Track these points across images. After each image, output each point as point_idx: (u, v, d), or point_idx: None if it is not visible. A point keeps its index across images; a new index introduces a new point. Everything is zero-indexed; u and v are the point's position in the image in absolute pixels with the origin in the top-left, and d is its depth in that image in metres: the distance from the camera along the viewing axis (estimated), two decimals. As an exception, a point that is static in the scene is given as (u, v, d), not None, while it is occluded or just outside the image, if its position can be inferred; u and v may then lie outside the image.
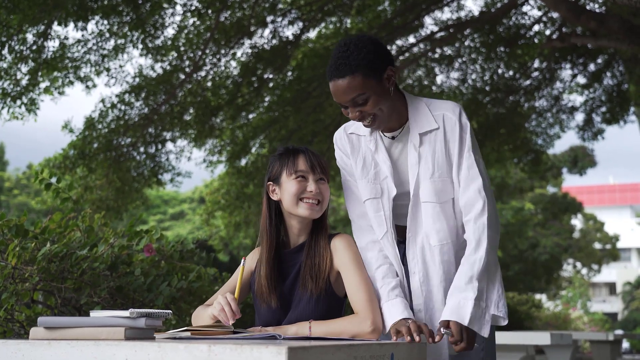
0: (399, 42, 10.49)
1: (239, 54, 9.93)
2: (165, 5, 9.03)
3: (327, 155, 10.82)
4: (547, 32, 10.71)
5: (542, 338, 5.76)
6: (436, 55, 10.77)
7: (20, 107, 8.85)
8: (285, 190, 2.28)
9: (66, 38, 8.83)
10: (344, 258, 2.23)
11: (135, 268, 2.98)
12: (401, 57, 10.47)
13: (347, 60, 2.12)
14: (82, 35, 8.88)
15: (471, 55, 10.75)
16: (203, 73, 9.85)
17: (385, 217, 2.30)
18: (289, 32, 10.04)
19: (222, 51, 9.66)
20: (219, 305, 2.12)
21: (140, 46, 9.21)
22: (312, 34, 10.55)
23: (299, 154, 2.30)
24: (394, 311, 2.12)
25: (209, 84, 10.00)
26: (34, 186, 26.10)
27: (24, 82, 8.75)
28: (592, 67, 11.40)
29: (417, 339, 1.97)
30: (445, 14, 10.50)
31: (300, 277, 2.25)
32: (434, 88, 11.31)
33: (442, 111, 2.25)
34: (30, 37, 8.42)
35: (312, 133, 10.45)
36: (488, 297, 2.15)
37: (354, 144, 2.37)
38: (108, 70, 9.46)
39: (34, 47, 8.50)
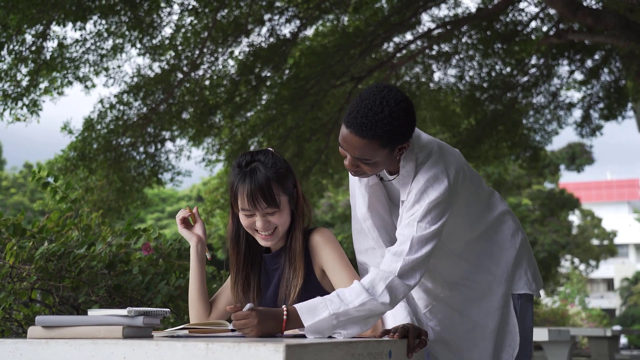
0: (396, 39, 10.50)
1: (236, 52, 9.94)
2: (162, 5, 9.03)
3: (325, 153, 10.83)
4: (544, 29, 10.72)
5: (540, 334, 5.78)
6: (433, 52, 10.77)
7: (21, 108, 8.83)
8: (240, 218, 2.22)
9: (64, 38, 8.83)
10: (326, 257, 2.17)
11: (133, 267, 2.97)
12: (398, 54, 10.47)
13: (374, 125, 1.94)
14: (81, 35, 8.88)
15: (468, 52, 10.76)
16: (201, 72, 9.85)
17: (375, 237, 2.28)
18: (286, 30, 10.05)
19: (220, 50, 9.66)
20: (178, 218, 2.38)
21: (139, 45, 9.21)
22: (310, 31, 10.56)
23: (242, 186, 2.14)
24: (397, 315, 2.11)
25: (207, 82, 10.00)
26: (30, 185, 26.08)
27: (24, 83, 8.74)
28: (589, 63, 11.41)
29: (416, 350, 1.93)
30: (442, 11, 10.50)
31: (280, 285, 2.22)
32: (431, 85, 11.32)
33: (417, 184, 2.05)
34: (29, 37, 8.41)
35: (310, 131, 10.44)
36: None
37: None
38: (107, 70, 9.46)
39: (33, 48, 8.49)
